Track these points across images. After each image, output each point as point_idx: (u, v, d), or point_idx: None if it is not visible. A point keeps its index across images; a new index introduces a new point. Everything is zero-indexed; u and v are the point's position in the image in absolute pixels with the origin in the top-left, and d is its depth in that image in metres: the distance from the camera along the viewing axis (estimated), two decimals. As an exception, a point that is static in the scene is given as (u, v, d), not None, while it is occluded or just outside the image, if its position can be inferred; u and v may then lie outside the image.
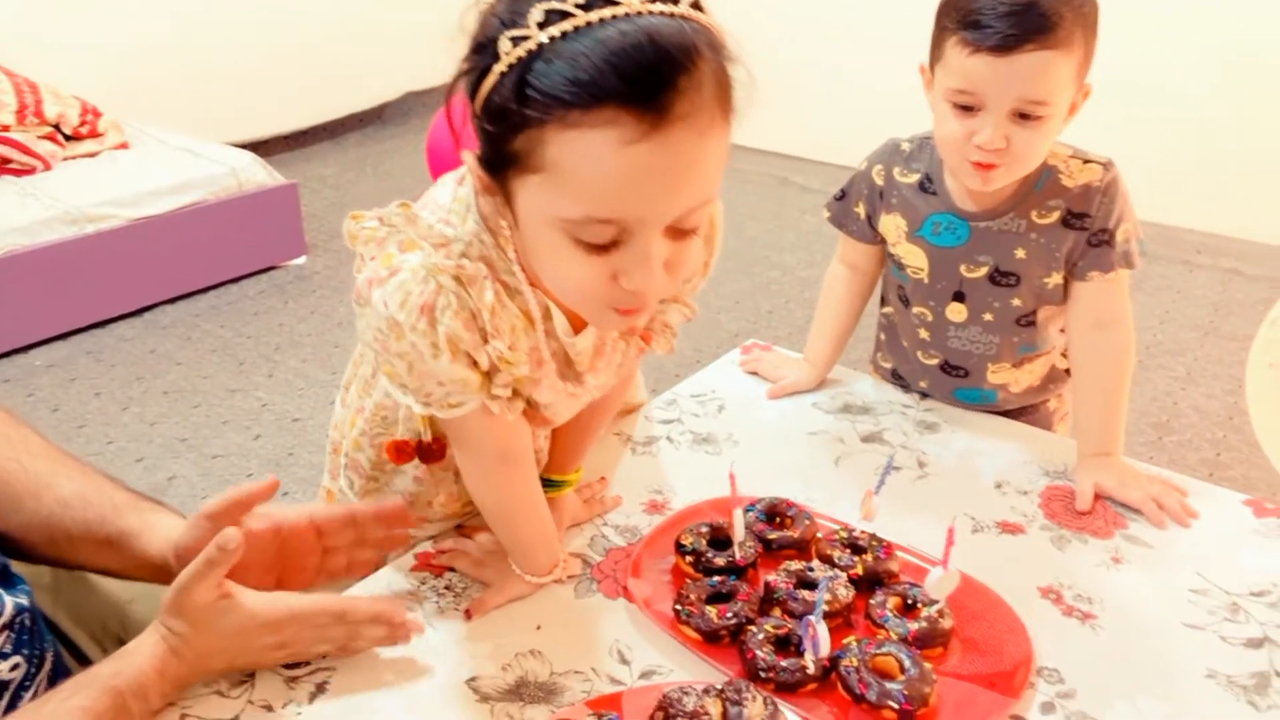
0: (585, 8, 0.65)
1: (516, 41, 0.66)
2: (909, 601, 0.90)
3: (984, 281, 1.19)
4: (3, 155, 3.04)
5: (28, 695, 0.79)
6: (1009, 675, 0.84)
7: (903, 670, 0.82)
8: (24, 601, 0.81)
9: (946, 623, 0.87)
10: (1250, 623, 0.92)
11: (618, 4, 0.64)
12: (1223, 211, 3.63)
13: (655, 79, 0.64)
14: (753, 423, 1.24)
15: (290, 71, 4.23)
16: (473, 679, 0.84)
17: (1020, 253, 1.15)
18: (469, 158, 0.73)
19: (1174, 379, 2.75)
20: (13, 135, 3.08)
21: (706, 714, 0.75)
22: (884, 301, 1.34)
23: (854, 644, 0.84)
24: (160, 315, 3.03)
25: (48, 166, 3.11)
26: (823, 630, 0.82)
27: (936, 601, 0.88)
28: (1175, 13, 3.52)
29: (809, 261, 3.43)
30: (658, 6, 0.65)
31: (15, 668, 0.78)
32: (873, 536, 0.97)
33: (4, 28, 3.38)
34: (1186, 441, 2.46)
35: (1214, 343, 2.95)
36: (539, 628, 0.90)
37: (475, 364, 0.80)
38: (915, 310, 1.26)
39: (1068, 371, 1.28)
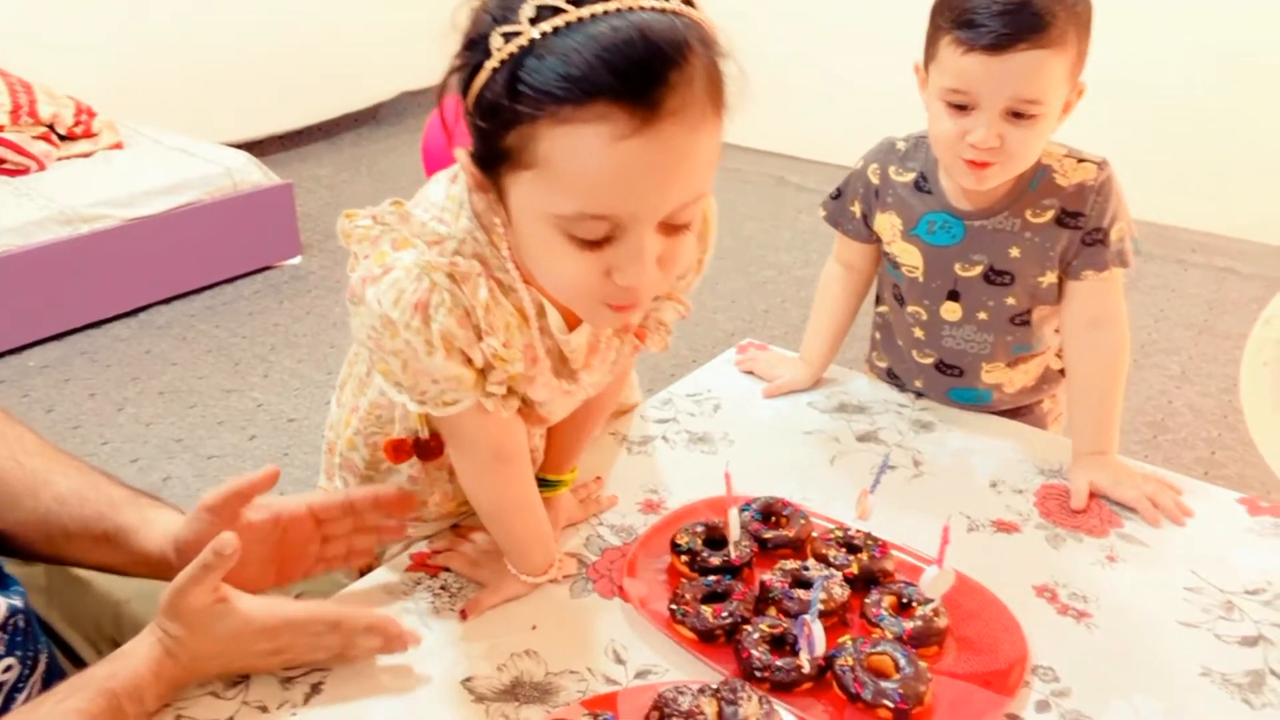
0: (577, 3, 0.65)
1: (508, 37, 0.66)
2: (904, 600, 0.90)
3: (978, 280, 1.19)
4: (-3, 155, 3.04)
5: (21, 697, 0.78)
6: (1004, 674, 0.84)
7: (898, 669, 0.82)
8: (17, 603, 0.80)
9: (941, 621, 0.87)
10: (1245, 621, 0.92)
11: None
12: (1217, 210, 3.64)
13: (647, 74, 0.64)
14: (748, 422, 1.24)
15: (285, 71, 4.22)
16: (468, 679, 0.84)
17: (1015, 251, 1.16)
18: (462, 155, 0.73)
19: (1169, 378, 2.76)
20: (7, 135, 3.07)
21: (702, 714, 0.75)
22: (879, 300, 1.35)
23: (849, 643, 0.84)
24: (155, 315, 3.03)
25: (42, 167, 3.10)
26: (818, 629, 0.82)
27: (931, 600, 0.88)
28: (1170, 12, 3.53)
29: (805, 261, 3.43)
30: (649, 2, 0.65)
31: (8, 669, 0.78)
32: (868, 535, 0.97)
33: (-2, 27, 3.38)
34: (1181, 440, 2.47)
35: (1209, 341, 2.96)
36: (534, 628, 0.90)
37: (470, 361, 0.80)
38: (910, 309, 1.26)
39: (1062, 372, 1.29)
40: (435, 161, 0.82)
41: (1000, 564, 0.98)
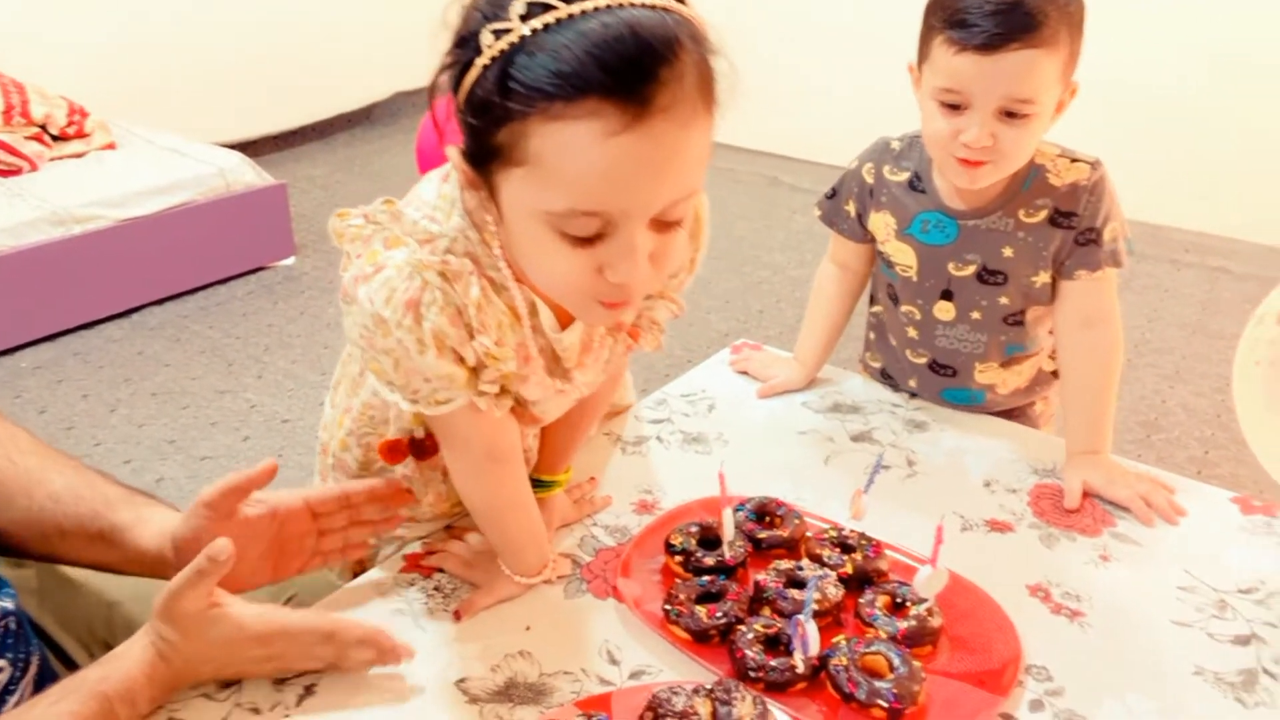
0: (567, 0, 0.64)
1: (498, 34, 0.66)
2: (898, 600, 0.90)
3: (972, 280, 1.19)
4: (-11, 156, 3.03)
5: (12, 699, 0.78)
6: (998, 673, 0.84)
7: (892, 669, 0.82)
8: (9, 605, 0.80)
9: (935, 621, 0.87)
10: (1237, 620, 0.93)
11: None
12: (1210, 210, 3.65)
13: (637, 70, 0.64)
14: (743, 422, 1.24)
15: (279, 71, 4.22)
16: (462, 680, 0.84)
17: (1008, 251, 1.16)
18: (453, 153, 0.73)
19: (1162, 377, 2.76)
20: (-1, 136, 3.06)
21: (696, 714, 0.75)
22: (873, 300, 1.35)
23: (843, 643, 0.84)
24: (148, 316, 3.02)
25: (34, 167, 3.09)
26: (812, 629, 0.82)
27: (925, 600, 0.88)
28: (1163, 12, 3.54)
29: (799, 261, 3.44)
30: None
31: (0, 671, 0.78)
32: (862, 535, 0.97)
33: (-10, 28, 3.37)
34: (1174, 439, 2.47)
35: (1202, 341, 2.97)
36: (528, 628, 0.90)
37: (462, 360, 0.80)
38: (904, 308, 1.26)
39: (1055, 374, 1.29)
40: (429, 161, 0.82)
41: (994, 563, 0.99)
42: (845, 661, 0.82)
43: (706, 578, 0.92)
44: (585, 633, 0.89)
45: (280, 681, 0.82)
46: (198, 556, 0.75)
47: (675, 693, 0.76)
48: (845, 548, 0.96)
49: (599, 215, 0.68)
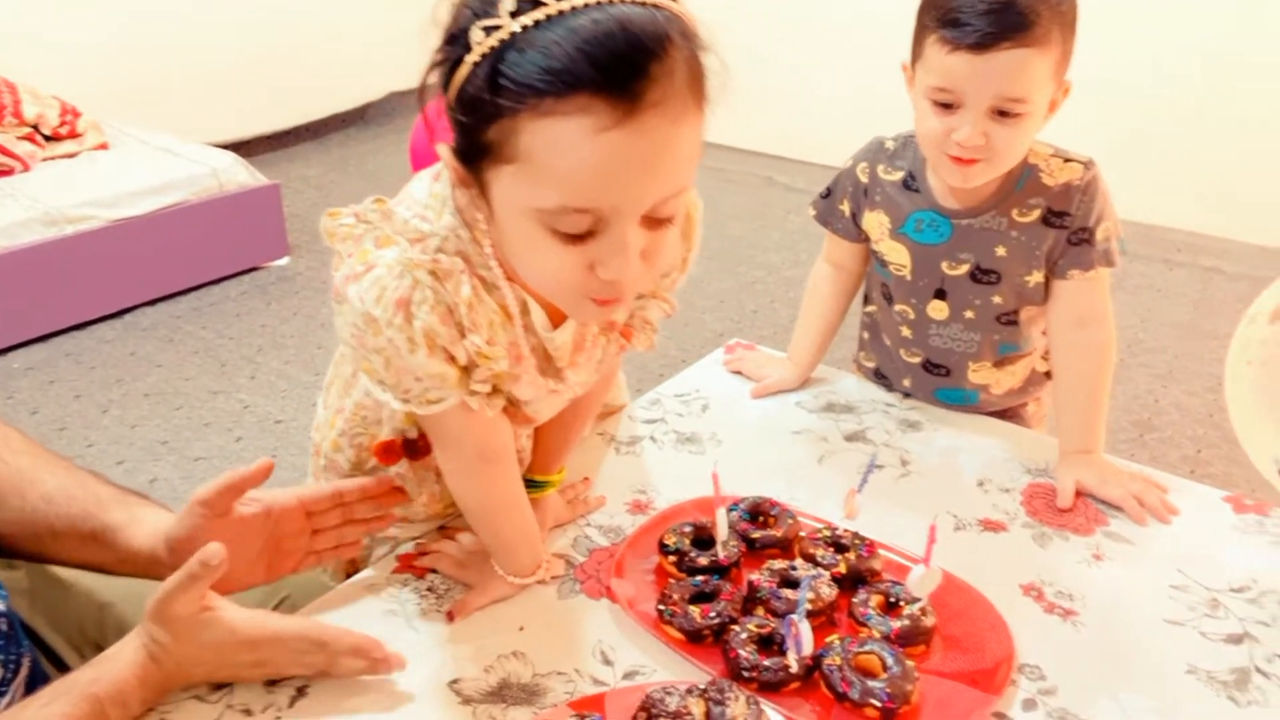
0: None
1: (489, 31, 0.65)
2: (891, 600, 0.90)
3: (965, 279, 1.19)
4: (-20, 156, 3.02)
5: (4, 701, 0.78)
6: (991, 673, 0.84)
7: (885, 668, 0.82)
8: (0, 606, 0.80)
9: (929, 621, 0.87)
10: (1230, 618, 0.93)
11: None
12: (1203, 211, 3.67)
13: (627, 66, 0.64)
14: (736, 422, 1.24)
15: (273, 71, 4.21)
16: (455, 681, 0.84)
17: (1001, 250, 1.16)
18: (444, 150, 0.73)
19: (1155, 377, 2.77)
20: (-9, 136, 3.05)
21: (689, 714, 0.74)
22: (867, 300, 1.35)
23: (837, 642, 0.84)
24: (141, 317, 3.01)
25: (26, 167, 3.08)
26: (805, 629, 0.82)
27: (919, 599, 0.88)
28: (1156, 12, 3.55)
29: (794, 261, 3.44)
30: None
31: (-9, 673, 0.77)
32: (855, 535, 0.97)
33: (-19, 27, 3.35)
34: (1167, 439, 2.48)
35: (1194, 341, 2.97)
36: (522, 629, 0.89)
37: (453, 359, 0.80)
38: (898, 308, 1.26)
39: (1048, 375, 1.29)
40: (423, 161, 0.82)
41: (987, 563, 0.99)
42: (839, 661, 0.82)
43: (700, 578, 0.92)
44: (579, 633, 0.89)
45: (272, 683, 0.82)
46: (190, 560, 0.75)
47: (669, 693, 0.76)
48: (839, 547, 0.96)
49: (590, 212, 0.68)
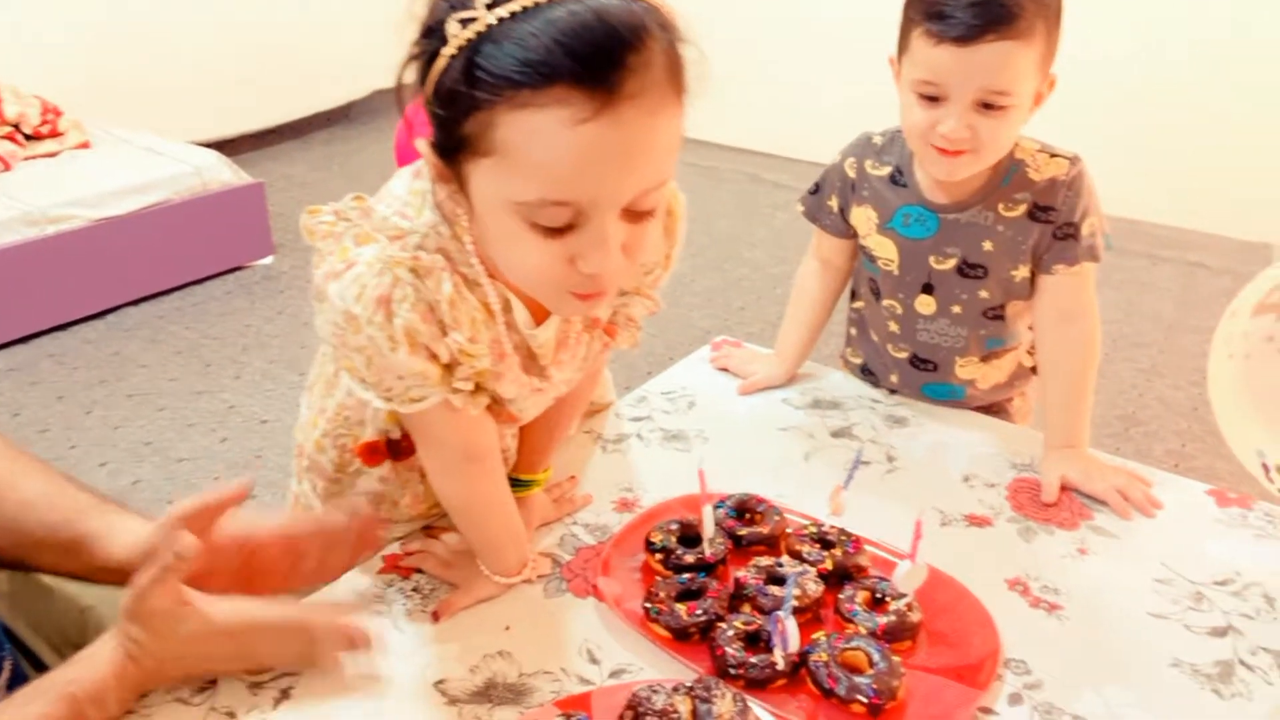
0: None
1: (465, 24, 0.65)
2: (878, 595, 0.90)
3: (952, 273, 1.19)
4: (-40, 155, 2.99)
5: (-16, 704, 0.77)
6: (977, 667, 0.84)
7: (871, 664, 0.82)
8: (-21, 610, 0.79)
9: (915, 616, 0.87)
10: (1214, 611, 0.93)
11: None
12: (1187, 206, 3.69)
13: (604, 57, 0.63)
14: (723, 419, 1.23)
15: (256, 69, 4.18)
16: (440, 681, 0.83)
17: (988, 245, 1.16)
18: (423, 145, 0.73)
19: (1139, 371, 2.78)
20: (-30, 135, 3.02)
21: (676, 712, 0.74)
22: (854, 296, 1.35)
23: (823, 639, 0.84)
24: (124, 317, 2.99)
25: (7, 167, 3.06)
26: (791, 626, 0.82)
27: (905, 595, 0.88)
28: (1141, 7, 3.57)
29: (780, 258, 3.44)
30: None
31: (-28, 677, 0.77)
32: (842, 531, 0.97)
33: (-40, 25, 3.32)
34: (1152, 433, 2.49)
35: (1179, 335, 2.99)
36: (508, 628, 0.89)
37: (435, 357, 0.79)
38: (885, 303, 1.26)
39: (1033, 369, 1.30)
40: (407, 158, 0.81)
41: (973, 558, 0.99)
42: (825, 657, 0.82)
43: (687, 575, 0.91)
44: (565, 632, 0.89)
45: (256, 685, 0.81)
46: (163, 552, 0.74)
47: (655, 691, 0.76)
48: (825, 544, 0.96)
49: (569, 205, 0.67)
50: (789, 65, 4.32)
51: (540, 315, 0.85)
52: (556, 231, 0.69)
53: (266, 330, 2.94)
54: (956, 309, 1.22)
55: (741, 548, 0.98)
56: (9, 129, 3.15)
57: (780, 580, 0.90)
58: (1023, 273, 1.18)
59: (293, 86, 4.37)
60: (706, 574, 0.92)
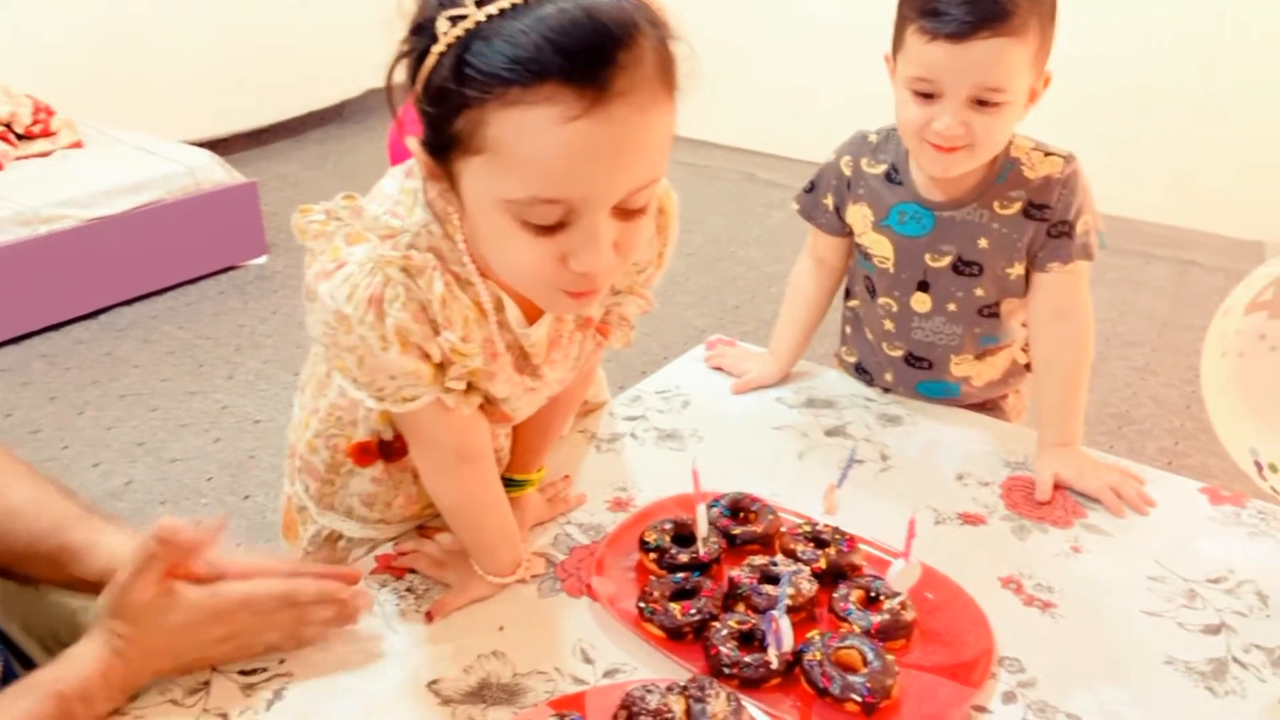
0: None
1: (454, 21, 0.65)
2: (872, 594, 0.90)
3: (947, 271, 1.19)
4: (-49, 155, 2.98)
5: (-25, 705, 0.77)
6: (971, 666, 0.84)
7: (865, 663, 0.81)
8: (-31, 611, 0.79)
9: (909, 615, 0.87)
10: (1207, 609, 0.93)
11: None
12: (1180, 204, 3.70)
13: (594, 55, 0.63)
14: (717, 418, 1.23)
15: (249, 68, 4.17)
16: (434, 682, 0.83)
17: (983, 242, 1.16)
18: (413, 143, 0.72)
19: (1133, 369, 2.79)
20: (-39, 135, 3.01)
21: (670, 712, 0.74)
22: (849, 294, 1.35)
23: (817, 638, 0.84)
24: (117, 317, 2.98)
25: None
26: (785, 625, 0.82)
27: (899, 594, 0.88)
28: (1134, 5, 3.57)
29: (775, 257, 3.44)
30: None
31: (-38, 678, 0.76)
32: (836, 530, 0.97)
33: (-49, 25, 3.31)
34: (1146, 431, 2.50)
35: (1172, 333, 3.00)
36: (502, 628, 0.89)
37: (427, 356, 0.79)
38: (881, 301, 1.26)
39: (1028, 367, 1.30)
40: (401, 158, 0.81)
41: (967, 556, 0.99)
42: (819, 656, 0.82)
43: (681, 574, 0.91)
44: (559, 632, 0.89)
45: (249, 686, 0.81)
46: (144, 540, 0.73)
47: (649, 691, 0.76)
48: (819, 543, 0.96)
49: (560, 202, 0.67)
50: (783, 64, 4.32)
51: (533, 314, 0.85)
52: (548, 229, 0.68)
53: (260, 330, 2.93)
54: (952, 307, 1.22)
55: (735, 547, 0.98)
56: (1, 129, 3.13)
57: (774, 579, 0.90)
58: (1017, 270, 1.18)
59: (286, 85, 4.37)
60: (700, 573, 0.92)
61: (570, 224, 0.68)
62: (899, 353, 1.28)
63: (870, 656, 0.82)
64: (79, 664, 0.74)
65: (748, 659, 0.82)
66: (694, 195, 3.97)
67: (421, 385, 0.79)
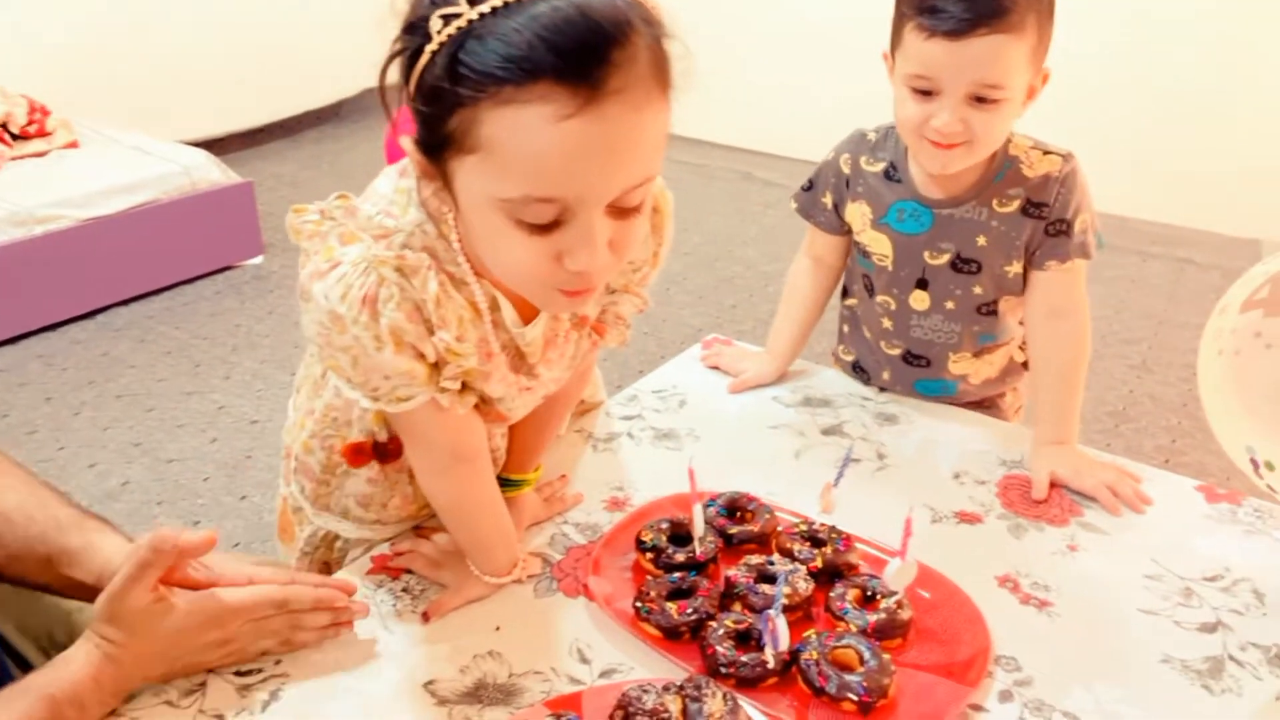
0: None
1: (447, 20, 0.64)
2: (868, 593, 0.90)
3: (946, 269, 1.19)
4: (-54, 155, 2.97)
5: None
6: (967, 665, 0.84)
7: (862, 662, 0.81)
8: (-36, 613, 0.78)
9: (905, 614, 0.87)
10: (1204, 607, 0.93)
11: None
12: (1177, 203, 3.70)
13: (588, 53, 0.63)
14: (714, 417, 1.23)
15: (246, 68, 4.16)
16: (430, 682, 0.83)
17: (981, 240, 1.16)
18: (407, 142, 0.72)
19: (1130, 367, 2.79)
20: (-43, 135, 3.00)
21: (666, 711, 0.74)
22: (846, 293, 1.35)
23: (813, 637, 0.84)
24: (113, 317, 2.97)
25: (-6, 167, 3.04)
26: (782, 624, 0.82)
27: (895, 593, 0.88)
28: (1131, 5, 3.57)
29: (772, 256, 3.44)
30: None
31: (-43, 680, 0.76)
32: (832, 529, 0.97)
33: (-54, 24, 3.30)
34: (1142, 429, 2.50)
35: (1168, 331, 3.00)
36: (498, 629, 0.89)
37: (422, 356, 0.79)
38: (879, 299, 1.26)
39: (1025, 365, 1.30)
40: (398, 158, 0.80)
41: (963, 555, 0.99)
42: (816, 656, 0.82)
43: (677, 574, 0.91)
44: (555, 632, 0.89)
45: (245, 688, 0.81)
46: (139, 547, 0.73)
47: (645, 690, 0.76)
48: (815, 542, 0.96)
49: (555, 201, 0.67)
50: (780, 63, 4.32)
51: (528, 314, 0.85)
52: (542, 228, 0.68)
53: (256, 330, 2.92)
54: (950, 304, 1.22)
55: (732, 546, 0.98)
56: (-4, 129, 3.13)
57: (771, 578, 0.90)
58: (1015, 268, 1.18)
59: (283, 85, 4.35)
60: (697, 573, 0.92)
61: (565, 223, 0.68)
62: (897, 351, 1.28)
63: (867, 655, 0.82)
64: (71, 668, 0.74)
65: (744, 658, 0.82)
66: (691, 194, 3.97)
67: (416, 385, 0.79)
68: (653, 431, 1.19)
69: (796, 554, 0.95)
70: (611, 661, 0.85)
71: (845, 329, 1.37)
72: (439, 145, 0.68)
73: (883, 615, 0.87)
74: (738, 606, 0.89)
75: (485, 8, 0.63)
